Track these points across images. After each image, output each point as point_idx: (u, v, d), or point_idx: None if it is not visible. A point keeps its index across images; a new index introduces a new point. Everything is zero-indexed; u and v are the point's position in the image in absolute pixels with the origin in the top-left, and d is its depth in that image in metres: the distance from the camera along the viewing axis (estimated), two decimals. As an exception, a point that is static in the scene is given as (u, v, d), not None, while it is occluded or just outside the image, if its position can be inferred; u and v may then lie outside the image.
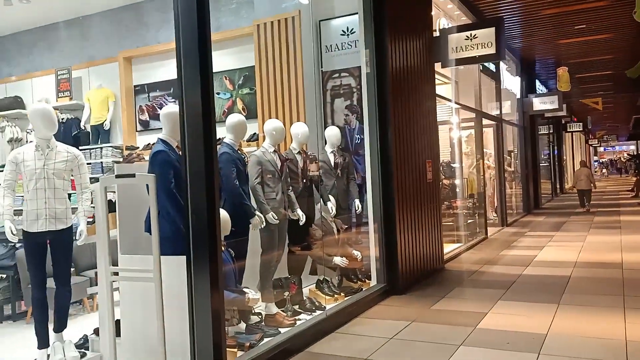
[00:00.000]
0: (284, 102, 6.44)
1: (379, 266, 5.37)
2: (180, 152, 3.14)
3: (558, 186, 21.30)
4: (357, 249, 5.35)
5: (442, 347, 3.72)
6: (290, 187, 4.65)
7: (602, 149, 52.07)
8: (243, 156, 4.16)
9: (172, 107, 3.47)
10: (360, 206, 5.55)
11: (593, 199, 15.02)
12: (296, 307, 4.37)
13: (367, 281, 5.33)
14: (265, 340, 3.55)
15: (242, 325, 3.76)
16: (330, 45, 6.39)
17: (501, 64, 11.82)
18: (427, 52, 6.65)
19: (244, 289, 3.69)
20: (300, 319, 4.15)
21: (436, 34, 7.13)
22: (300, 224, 4.60)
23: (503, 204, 11.12)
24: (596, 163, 41.55)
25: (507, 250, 8.03)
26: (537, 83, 16.90)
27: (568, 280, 5.66)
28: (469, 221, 9.12)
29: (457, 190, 9.02)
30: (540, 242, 8.67)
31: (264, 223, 4.19)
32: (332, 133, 5.52)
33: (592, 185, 14.18)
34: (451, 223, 8.64)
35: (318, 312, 4.35)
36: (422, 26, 6.56)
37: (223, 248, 3.58)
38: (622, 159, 43.16)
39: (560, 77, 13.47)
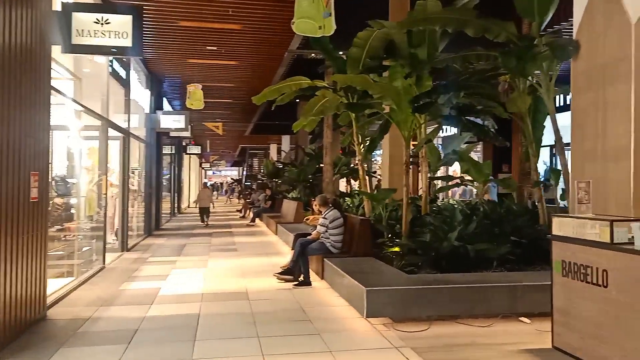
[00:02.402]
0: None
1: None
2: None
3: (177, 206, 21.60)
4: None
5: None
6: None
7: (211, 172, 57.86)
8: None
9: None
10: None
11: (210, 220, 16.71)
12: None
13: None
14: None
15: None
16: None
17: (132, 72, 10.79)
18: (42, 29, 5.00)
19: None
20: None
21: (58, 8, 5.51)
22: None
23: (125, 225, 9.96)
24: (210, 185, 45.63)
25: (128, 283, 6.93)
26: (165, 101, 16.67)
27: (198, 320, 5.03)
28: (85, 248, 7.58)
29: (73, 210, 7.36)
30: (164, 270, 7.95)
31: None
32: None
33: (211, 204, 17.09)
34: (62, 252, 6.93)
35: None
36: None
37: None
38: (228, 182, 48.68)
39: (192, 94, 13.28)
